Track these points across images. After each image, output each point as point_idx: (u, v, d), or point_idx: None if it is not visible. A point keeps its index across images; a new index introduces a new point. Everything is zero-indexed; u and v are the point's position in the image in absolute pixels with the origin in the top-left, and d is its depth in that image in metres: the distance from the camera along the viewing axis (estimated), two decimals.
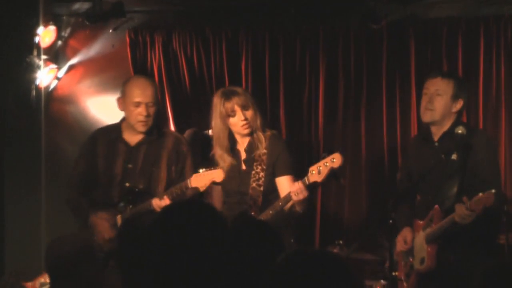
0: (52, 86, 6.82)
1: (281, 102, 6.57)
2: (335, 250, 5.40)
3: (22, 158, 6.80)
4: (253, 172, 5.02)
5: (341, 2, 6.38)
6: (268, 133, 5.06)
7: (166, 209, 2.54)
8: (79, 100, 6.88)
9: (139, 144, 5.16)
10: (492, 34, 6.16)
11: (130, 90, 5.10)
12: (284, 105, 6.57)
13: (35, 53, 6.61)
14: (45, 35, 6.59)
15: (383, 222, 4.61)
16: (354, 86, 6.48)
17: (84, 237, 4.23)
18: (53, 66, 6.72)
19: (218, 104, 5.00)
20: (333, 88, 6.52)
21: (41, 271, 4.53)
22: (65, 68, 6.84)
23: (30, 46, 6.61)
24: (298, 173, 4.99)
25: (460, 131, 4.76)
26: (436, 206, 4.78)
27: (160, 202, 4.86)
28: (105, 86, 6.76)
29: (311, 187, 4.77)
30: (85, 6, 6.59)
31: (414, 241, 4.92)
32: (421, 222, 4.89)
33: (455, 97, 4.89)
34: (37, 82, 6.66)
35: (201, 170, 4.88)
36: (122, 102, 5.14)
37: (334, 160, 4.71)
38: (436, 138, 4.95)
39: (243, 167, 5.08)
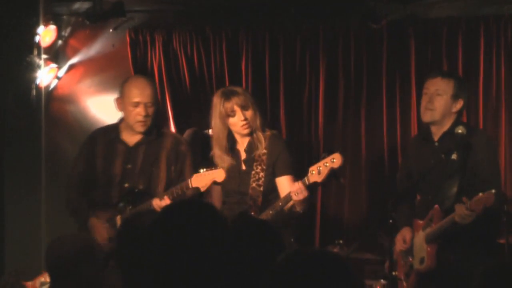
0: (52, 86, 6.82)
1: (281, 102, 6.57)
2: (335, 250, 5.39)
3: (22, 158, 6.79)
4: (253, 172, 5.02)
5: (341, 2, 6.38)
6: (268, 133, 5.06)
7: (166, 209, 2.54)
8: (79, 100, 6.88)
9: (138, 144, 5.15)
10: (492, 34, 6.16)
11: (128, 90, 5.09)
12: (284, 105, 6.57)
13: (35, 52, 6.61)
14: (46, 34, 6.59)
15: (383, 222, 4.61)
16: (354, 86, 6.48)
17: (84, 237, 4.22)
18: (53, 65, 6.72)
19: (217, 104, 5.00)
20: (333, 88, 6.52)
21: (41, 271, 4.53)
22: (65, 68, 6.84)
23: (30, 46, 6.60)
24: (298, 173, 5.00)
25: (460, 131, 4.76)
26: (436, 206, 4.78)
27: (161, 202, 4.85)
28: (106, 86, 6.76)
29: (311, 187, 4.77)
30: (85, 5, 6.58)
31: (414, 241, 4.92)
32: (421, 222, 4.89)
33: (455, 97, 4.89)
34: (37, 81, 6.66)
35: (201, 170, 4.87)
36: (121, 102, 5.13)
37: (334, 160, 4.72)
38: (436, 138, 4.95)
39: (243, 167, 5.08)
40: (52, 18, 6.65)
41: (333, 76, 6.50)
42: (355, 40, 6.44)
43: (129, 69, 6.64)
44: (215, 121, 5.04)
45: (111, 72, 6.72)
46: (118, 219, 5.01)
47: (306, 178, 4.75)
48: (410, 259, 4.93)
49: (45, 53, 6.64)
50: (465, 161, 4.75)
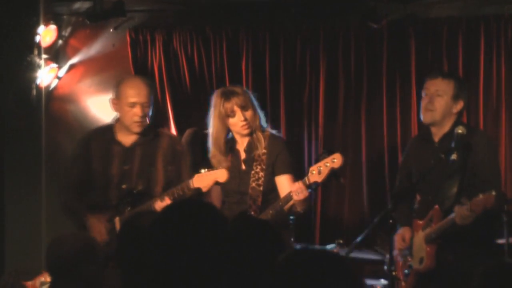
0: (52, 86, 6.82)
1: (281, 102, 6.57)
2: (335, 250, 5.40)
3: (22, 158, 6.79)
4: (253, 172, 5.02)
5: (341, 2, 6.38)
6: (267, 132, 5.06)
7: (166, 209, 2.54)
8: (80, 100, 6.88)
9: (134, 145, 5.12)
10: (493, 33, 6.16)
11: (125, 90, 5.05)
12: (284, 104, 6.57)
13: (35, 52, 6.61)
14: (46, 34, 6.59)
15: (383, 222, 4.61)
16: (355, 86, 6.48)
17: (85, 236, 4.22)
18: (54, 65, 6.72)
19: (217, 104, 4.99)
20: (333, 87, 6.51)
21: (41, 271, 4.53)
22: (65, 68, 6.83)
23: (31, 46, 6.60)
24: (298, 173, 5.00)
25: (460, 131, 4.76)
26: (436, 206, 4.77)
27: (162, 203, 4.84)
28: (106, 85, 6.74)
29: (312, 187, 4.77)
30: (86, 5, 6.58)
31: (413, 241, 4.92)
32: (420, 222, 4.89)
33: (455, 98, 4.88)
34: (38, 81, 6.66)
35: (203, 170, 4.86)
36: (117, 103, 5.09)
37: (335, 160, 4.72)
38: (436, 139, 4.94)
39: (243, 167, 5.07)
40: (53, 17, 6.64)
41: (333, 76, 6.50)
42: (355, 40, 6.44)
43: (129, 69, 6.64)
44: (214, 121, 5.04)
45: (111, 72, 6.72)
46: (117, 220, 5.00)
47: (306, 178, 4.75)
48: (409, 259, 4.93)
49: (46, 53, 6.63)
50: (465, 161, 4.75)
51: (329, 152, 4.77)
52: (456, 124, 4.87)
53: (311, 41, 6.52)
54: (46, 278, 4.37)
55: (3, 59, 6.60)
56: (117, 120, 5.17)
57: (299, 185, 4.75)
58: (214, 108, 5.02)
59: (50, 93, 6.82)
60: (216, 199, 5.24)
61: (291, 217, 5.06)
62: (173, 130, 6.55)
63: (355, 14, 6.32)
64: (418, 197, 5.05)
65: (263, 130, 5.04)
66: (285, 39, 6.56)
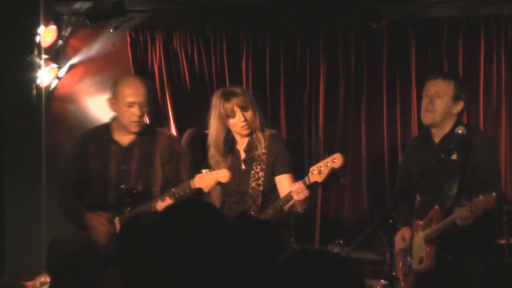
0: (52, 86, 6.82)
1: (281, 102, 6.57)
2: (335, 250, 5.39)
3: (22, 158, 6.79)
4: (253, 172, 5.02)
5: (341, 2, 6.38)
6: (267, 133, 5.06)
7: (166, 209, 2.54)
8: (80, 100, 6.87)
9: (132, 144, 5.10)
10: (493, 33, 6.16)
11: (122, 90, 5.03)
12: (285, 104, 6.57)
13: (35, 52, 6.60)
14: (46, 34, 6.58)
15: (383, 222, 4.61)
16: (355, 85, 6.48)
17: (85, 236, 4.22)
18: (54, 65, 6.71)
19: (217, 105, 4.99)
20: (333, 87, 6.51)
21: (41, 271, 4.52)
22: (65, 68, 6.83)
23: (31, 46, 6.59)
24: (298, 173, 5.00)
25: (460, 131, 4.75)
26: (436, 206, 4.77)
27: (163, 204, 4.83)
28: (106, 86, 6.69)
29: (312, 187, 4.77)
30: (86, 5, 6.58)
31: (413, 241, 4.91)
32: (420, 222, 4.88)
33: (455, 98, 4.88)
34: (38, 81, 6.65)
35: (204, 171, 4.86)
36: (114, 103, 5.06)
37: (335, 160, 4.72)
38: (437, 139, 4.94)
39: (243, 166, 5.07)
40: (53, 18, 6.64)
41: (333, 76, 6.50)
42: (355, 40, 6.44)
43: (130, 69, 6.64)
44: (214, 121, 5.03)
45: (111, 72, 6.71)
46: (117, 221, 4.99)
47: (306, 178, 4.75)
48: (409, 259, 4.93)
49: (46, 53, 6.63)
50: (465, 161, 4.75)
51: (330, 152, 4.77)
52: (456, 124, 4.86)
53: (311, 41, 6.52)
54: (46, 278, 4.38)
55: (3, 59, 6.60)
56: (114, 120, 5.15)
57: (299, 185, 4.75)
58: (214, 108, 5.01)
59: (50, 93, 6.82)
60: (216, 199, 5.23)
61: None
62: (173, 130, 6.55)
63: (355, 14, 6.32)
64: (418, 198, 5.06)
65: (263, 130, 5.04)
66: (285, 39, 6.56)
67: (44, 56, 6.61)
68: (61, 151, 6.66)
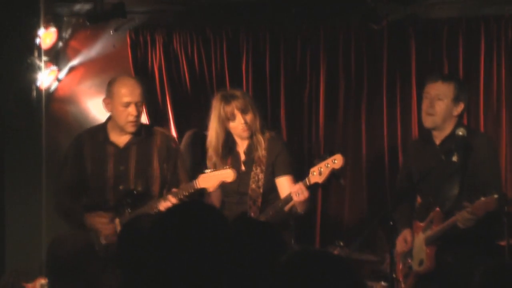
0: (53, 87, 6.81)
1: (281, 102, 6.56)
2: (336, 251, 5.39)
3: (22, 159, 6.78)
4: (253, 173, 5.02)
5: (341, 2, 6.37)
6: (267, 135, 5.06)
7: (167, 209, 2.54)
8: (80, 101, 6.87)
9: (129, 145, 5.09)
10: (493, 34, 6.15)
11: (118, 90, 5.02)
12: (285, 105, 6.56)
13: (36, 54, 6.60)
14: (46, 36, 6.57)
15: (383, 223, 4.61)
16: (355, 86, 6.47)
17: (85, 236, 4.22)
18: (54, 67, 6.70)
19: (217, 108, 4.99)
20: (333, 88, 6.51)
21: (42, 272, 4.52)
22: (66, 69, 6.83)
23: (31, 47, 6.59)
24: (298, 173, 4.99)
25: (460, 133, 4.76)
26: (437, 208, 4.77)
27: (166, 204, 4.82)
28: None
29: (312, 188, 4.77)
30: (86, 6, 6.58)
31: (413, 243, 4.91)
32: (421, 224, 4.88)
33: (456, 100, 4.88)
34: (38, 83, 6.64)
35: (207, 171, 4.86)
36: (109, 103, 5.06)
37: (336, 161, 4.73)
38: (438, 141, 4.94)
39: (243, 168, 5.08)
40: (53, 19, 6.63)
41: (333, 76, 6.50)
42: (355, 40, 6.44)
43: (130, 70, 6.63)
44: (214, 124, 5.04)
45: (111, 73, 6.66)
46: (117, 222, 4.98)
47: (307, 179, 4.75)
48: (409, 260, 4.92)
49: (46, 55, 6.62)
50: (466, 162, 4.75)
51: (330, 153, 4.78)
52: (457, 126, 4.86)
53: (311, 41, 6.52)
54: (46, 280, 4.37)
55: (4, 61, 6.59)
56: (110, 120, 5.14)
57: (299, 186, 4.75)
58: (214, 111, 5.02)
59: (51, 95, 6.82)
60: (216, 199, 5.24)
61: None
62: (173, 131, 6.55)
63: (355, 14, 6.31)
64: (418, 199, 5.05)
65: (263, 132, 5.04)
66: (285, 39, 6.55)
67: (44, 58, 6.60)
68: (61, 152, 6.64)
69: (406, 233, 4.95)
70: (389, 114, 6.39)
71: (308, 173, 4.79)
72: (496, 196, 4.43)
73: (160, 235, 2.39)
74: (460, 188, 4.75)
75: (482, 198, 4.45)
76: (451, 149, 4.77)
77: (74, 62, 6.83)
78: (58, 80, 6.80)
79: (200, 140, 5.82)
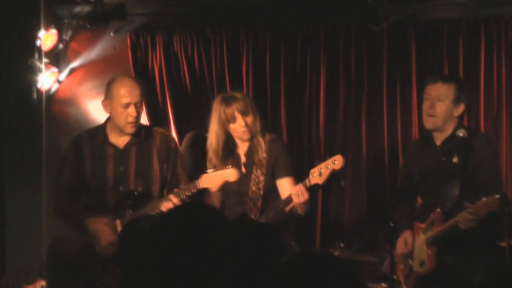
0: (53, 89, 6.81)
1: (281, 102, 6.56)
2: (336, 253, 5.39)
3: (23, 160, 6.78)
4: (253, 175, 5.02)
5: (341, 2, 6.37)
6: (268, 137, 5.06)
7: (167, 211, 2.54)
8: (81, 102, 6.87)
9: (128, 145, 5.08)
10: (493, 35, 6.15)
11: (117, 91, 5.01)
12: (285, 105, 6.56)
13: (36, 56, 6.59)
14: (46, 38, 6.56)
15: (383, 224, 4.61)
16: (355, 86, 6.47)
17: (86, 237, 4.22)
18: (54, 69, 6.70)
19: (217, 110, 4.99)
20: (333, 88, 6.51)
21: (42, 272, 4.52)
22: (66, 71, 6.83)
23: (31, 49, 6.59)
24: (299, 173, 4.99)
25: (461, 134, 4.76)
26: (438, 209, 4.77)
27: (168, 204, 4.82)
28: None
29: (312, 189, 4.77)
30: (86, 8, 6.57)
31: (414, 244, 4.91)
32: (422, 225, 4.88)
33: (456, 101, 4.88)
34: (38, 85, 6.64)
35: (209, 171, 4.86)
36: (109, 104, 5.04)
37: (336, 162, 4.72)
38: (438, 142, 4.95)
39: (243, 169, 5.08)
40: (53, 21, 6.62)
41: (333, 77, 6.50)
42: (355, 40, 6.44)
43: (130, 72, 6.62)
44: (214, 126, 5.03)
45: (112, 75, 6.62)
46: (118, 223, 4.97)
47: (307, 180, 4.75)
48: (410, 262, 4.92)
49: (46, 56, 6.62)
50: (466, 163, 4.75)
51: (330, 153, 4.77)
52: (457, 127, 4.87)
53: (311, 41, 6.52)
54: (46, 282, 4.37)
55: (4, 62, 6.59)
56: (108, 121, 5.13)
57: (299, 187, 4.75)
58: (214, 113, 5.02)
59: (51, 96, 6.82)
60: (215, 200, 5.24)
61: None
62: (174, 132, 6.55)
63: (355, 15, 6.31)
64: (419, 200, 5.05)
65: (263, 134, 5.04)
66: (285, 39, 6.56)
67: (44, 60, 6.60)
68: (61, 152, 6.65)
69: (406, 235, 4.95)
70: (389, 115, 6.39)
71: (308, 174, 4.79)
72: (498, 196, 4.43)
73: (160, 235, 2.39)
74: (461, 189, 4.75)
75: (484, 199, 4.45)
76: (451, 150, 4.77)
77: (75, 64, 6.83)
78: (59, 82, 6.80)
79: (200, 142, 5.82)
